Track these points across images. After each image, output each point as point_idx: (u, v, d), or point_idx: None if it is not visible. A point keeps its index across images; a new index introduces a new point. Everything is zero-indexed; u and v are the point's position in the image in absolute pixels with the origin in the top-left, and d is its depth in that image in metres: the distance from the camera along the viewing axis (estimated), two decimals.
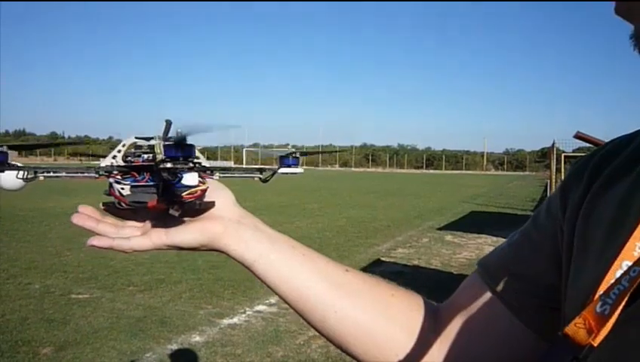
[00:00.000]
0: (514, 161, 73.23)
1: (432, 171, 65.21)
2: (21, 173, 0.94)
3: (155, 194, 0.77)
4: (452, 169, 68.75)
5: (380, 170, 67.87)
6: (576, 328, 0.34)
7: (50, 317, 4.39)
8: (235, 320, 4.49)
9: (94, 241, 0.58)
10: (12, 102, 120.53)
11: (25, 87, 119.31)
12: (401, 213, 13.18)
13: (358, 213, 12.67)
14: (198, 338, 4.04)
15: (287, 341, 4.04)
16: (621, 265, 0.37)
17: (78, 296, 5.01)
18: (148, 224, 0.62)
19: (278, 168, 1.36)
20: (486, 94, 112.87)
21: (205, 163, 0.98)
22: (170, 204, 0.85)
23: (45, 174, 1.05)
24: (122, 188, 0.96)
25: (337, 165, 74.19)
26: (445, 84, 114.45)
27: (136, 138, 1.09)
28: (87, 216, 0.60)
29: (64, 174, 1.11)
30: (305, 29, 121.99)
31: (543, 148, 65.23)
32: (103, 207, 1.02)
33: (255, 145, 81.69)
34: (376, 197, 18.75)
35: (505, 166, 71.46)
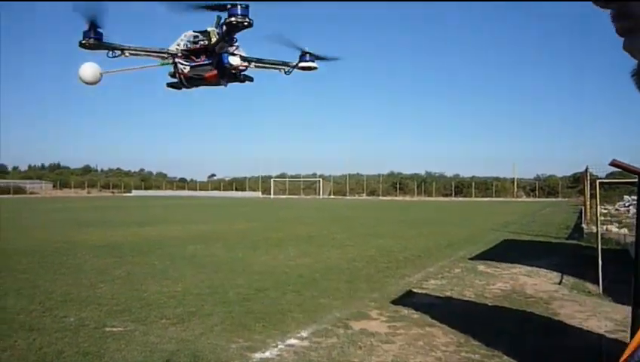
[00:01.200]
0: (545, 186, 71.58)
1: (461, 199, 64.29)
2: (111, 52, 3.02)
3: (210, 69, 2.06)
4: (482, 196, 67.59)
5: (408, 198, 67.26)
6: None
7: (85, 350, 4.44)
8: (267, 354, 4.45)
9: None
10: (48, 137, 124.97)
11: (59, 123, 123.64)
12: (432, 242, 12.99)
13: (387, 243, 12.54)
14: None
15: None
16: None
17: (112, 328, 5.06)
18: None
19: (299, 62, 3.81)
20: (514, 119, 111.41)
21: (244, 54, 2.86)
22: (222, 75, 3.01)
23: (131, 51, 3.71)
24: (184, 68, 3.50)
25: (365, 194, 73.90)
26: (472, 110, 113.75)
27: (194, 31, 3.44)
28: None
29: (143, 53, 3.78)
30: (329, 54, 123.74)
31: (575, 174, 63.55)
32: (167, 86, 3.28)
33: (282, 175, 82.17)
34: (405, 226, 18.55)
35: (536, 192, 69.90)
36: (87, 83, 5.51)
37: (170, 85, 5.99)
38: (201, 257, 9.82)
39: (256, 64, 5.95)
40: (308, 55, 6.07)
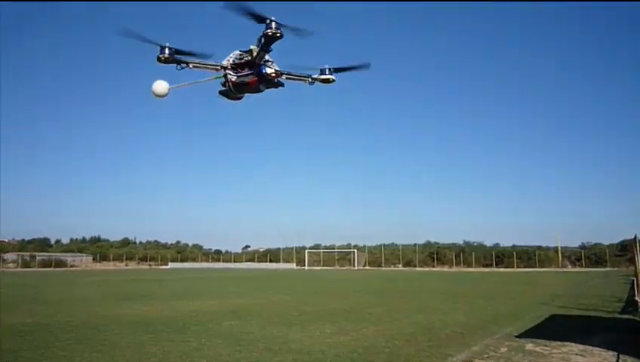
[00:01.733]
0: (592, 255, 68.44)
1: (502, 269, 61.96)
2: (179, 66, 6.79)
3: (252, 77, 6.32)
4: (524, 266, 65.01)
5: (446, 269, 65.39)
6: None
7: None
8: None
9: None
10: (88, 211, 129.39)
11: (99, 198, 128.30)
12: (474, 317, 12.42)
13: (427, 318, 12.06)
14: None
15: None
16: None
17: None
18: None
19: (320, 75, 7.68)
20: (555, 184, 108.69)
21: (277, 68, 7.10)
22: (261, 81, 6.88)
23: (194, 64, 7.02)
24: (232, 77, 7.11)
25: (401, 265, 72.32)
26: (509, 175, 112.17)
27: (240, 51, 7.20)
28: None
29: (202, 65, 7.16)
30: (360, 126, 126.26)
31: (623, 241, 60.70)
32: (218, 93, 7.29)
33: (316, 246, 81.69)
34: (445, 299, 17.89)
35: (582, 261, 66.80)
36: (159, 96, 7.26)
37: (221, 93, 7.85)
38: (237, 334, 9.65)
39: (287, 75, 7.86)
40: (327, 70, 8.02)
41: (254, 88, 7.77)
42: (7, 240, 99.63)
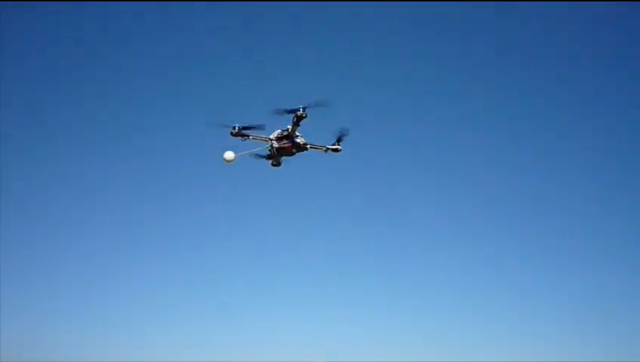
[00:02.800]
0: None
1: None
2: (243, 138, 17.95)
3: (288, 145, 16.90)
4: None
5: None
6: None
7: None
8: None
9: None
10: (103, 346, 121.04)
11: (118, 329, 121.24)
12: None
13: None
14: None
15: None
16: None
17: None
18: None
19: (331, 145, 19.36)
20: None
21: (304, 140, 18.08)
22: (294, 146, 17.72)
23: (253, 135, 18.29)
24: (276, 145, 18.15)
25: None
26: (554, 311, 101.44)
27: (280, 129, 18.54)
28: None
29: (258, 138, 18.62)
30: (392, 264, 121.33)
31: None
32: (266, 155, 19.03)
33: None
34: None
35: None
36: (228, 162, 15.22)
37: (266, 156, 16.45)
38: None
39: (310, 145, 16.11)
40: (337, 142, 16.82)
41: (289, 152, 15.06)
42: None
